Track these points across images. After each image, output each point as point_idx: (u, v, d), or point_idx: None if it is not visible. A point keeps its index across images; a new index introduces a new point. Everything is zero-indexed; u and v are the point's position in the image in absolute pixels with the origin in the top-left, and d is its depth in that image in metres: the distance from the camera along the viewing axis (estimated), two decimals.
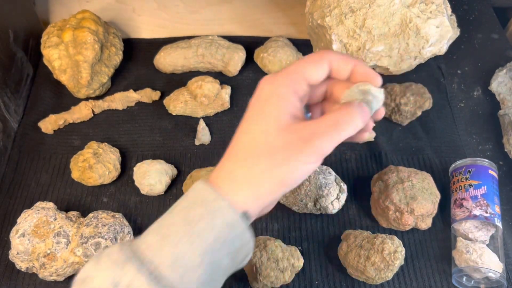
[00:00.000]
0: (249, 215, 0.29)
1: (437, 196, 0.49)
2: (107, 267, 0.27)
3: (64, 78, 0.57)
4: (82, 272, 0.28)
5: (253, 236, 0.30)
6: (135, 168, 0.52)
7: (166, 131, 0.57)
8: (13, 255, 0.44)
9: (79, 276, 0.28)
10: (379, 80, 0.31)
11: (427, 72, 0.64)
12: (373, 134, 0.56)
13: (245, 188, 0.29)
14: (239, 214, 0.28)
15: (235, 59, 0.60)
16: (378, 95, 0.31)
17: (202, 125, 0.56)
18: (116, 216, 0.46)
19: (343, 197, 0.50)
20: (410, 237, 0.50)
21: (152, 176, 0.50)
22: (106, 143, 0.54)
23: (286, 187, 0.29)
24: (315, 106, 0.34)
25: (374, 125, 0.34)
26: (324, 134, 0.29)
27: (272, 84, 0.30)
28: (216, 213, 0.28)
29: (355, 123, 0.30)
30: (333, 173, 0.51)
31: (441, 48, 0.59)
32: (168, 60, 0.61)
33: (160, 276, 0.26)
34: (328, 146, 0.29)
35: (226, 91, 0.58)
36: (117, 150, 0.54)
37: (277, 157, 0.28)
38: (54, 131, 0.56)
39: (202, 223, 0.27)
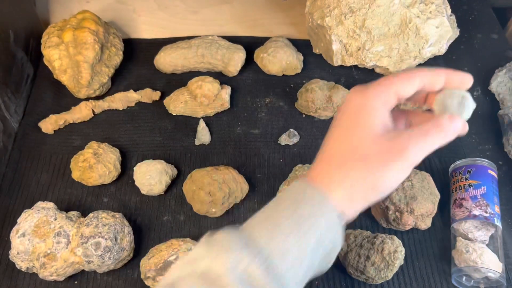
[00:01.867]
0: (343, 218, 0.31)
1: (437, 196, 0.49)
2: (223, 251, 0.28)
3: (64, 78, 0.57)
4: (192, 254, 0.29)
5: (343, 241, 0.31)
6: (135, 168, 0.52)
7: (166, 131, 0.57)
8: (13, 255, 0.44)
9: (187, 258, 0.29)
10: (471, 82, 0.33)
11: None
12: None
13: (342, 190, 0.30)
14: (337, 215, 0.30)
15: (235, 59, 0.60)
16: (470, 103, 0.32)
17: (202, 125, 0.56)
18: (116, 216, 0.46)
19: None
20: (410, 237, 0.50)
21: (152, 176, 0.50)
22: (106, 143, 0.54)
23: (378, 193, 0.31)
24: (399, 115, 0.36)
25: (467, 129, 0.34)
26: (415, 145, 0.30)
27: (363, 96, 0.32)
28: (322, 213, 0.30)
29: (447, 136, 0.31)
30: None
31: (441, 48, 0.59)
32: (168, 60, 0.61)
33: (272, 264, 0.28)
34: (419, 156, 0.30)
35: (226, 91, 0.58)
36: (117, 150, 0.54)
37: (372, 164, 0.30)
38: (55, 131, 0.57)
39: (308, 222, 0.29)
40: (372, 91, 0.32)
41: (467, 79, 0.33)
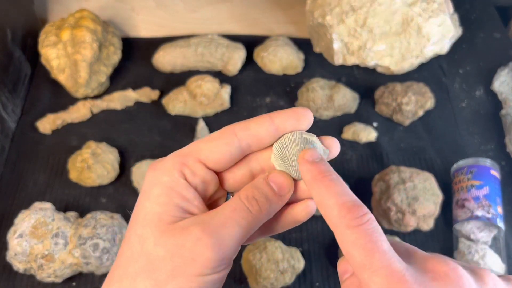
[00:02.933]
0: None
1: (439, 196, 0.49)
2: None
3: (62, 78, 0.56)
4: None
5: None
6: (133, 169, 0.51)
7: (165, 131, 0.57)
8: (11, 256, 0.43)
9: None
10: (309, 117, 0.24)
11: (429, 72, 0.63)
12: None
13: None
14: None
15: (234, 58, 0.60)
16: (317, 146, 0.24)
17: (201, 125, 0.56)
18: (115, 217, 0.46)
19: None
20: (412, 238, 0.49)
21: None
22: (104, 143, 0.53)
23: None
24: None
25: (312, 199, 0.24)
26: (221, 232, 0.21)
27: (155, 170, 0.23)
28: None
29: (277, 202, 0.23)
30: None
31: (443, 47, 0.58)
32: (167, 59, 0.60)
33: None
34: (231, 246, 0.21)
35: (226, 91, 0.58)
36: (116, 150, 0.53)
37: (160, 274, 0.21)
38: (52, 131, 0.56)
39: None
40: (166, 163, 0.23)
41: (303, 116, 0.23)
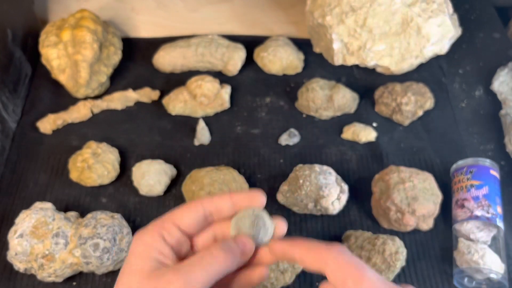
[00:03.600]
0: None
1: (439, 196, 0.49)
2: None
3: (62, 78, 0.56)
4: None
5: None
6: (134, 168, 0.51)
7: (165, 131, 0.57)
8: (11, 256, 0.43)
9: None
10: (261, 199, 0.30)
11: (428, 72, 0.64)
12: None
13: None
14: None
15: (235, 59, 0.60)
16: (267, 222, 0.29)
17: (201, 125, 0.56)
18: (115, 216, 0.46)
19: (344, 197, 0.49)
20: (411, 238, 0.49)
21: (151, 176, 0.50)
22: (105, 143, 0.53)
23: None
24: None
25: (271, 260, 0.30)
26: (189, 275, 0.26)
27: (139, 233, 0.29)
28: None
29: (233, 259, 0.28)
30: (333, 173, 0.50)
31: (443, 47, 0.58)
32: (167, 60, 0.61)
33: None
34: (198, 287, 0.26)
35: (226, 91, 0.58)
36: (116, 150, 0.53)
37: None
38: (53, 131, 0.56)
39: None
40: (149, 227, 0.29)
41: (256, 197, 0.30)
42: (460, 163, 0.51)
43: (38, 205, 0.46)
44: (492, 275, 0.44)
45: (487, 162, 0.49)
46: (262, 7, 0.71)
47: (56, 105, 0.58)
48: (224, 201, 0.30)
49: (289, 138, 0.56)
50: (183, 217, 0.29)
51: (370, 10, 0.55)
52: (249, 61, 0.63)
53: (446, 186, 0.53)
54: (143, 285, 0.26)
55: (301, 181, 0.48)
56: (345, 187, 0.50)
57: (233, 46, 0.61)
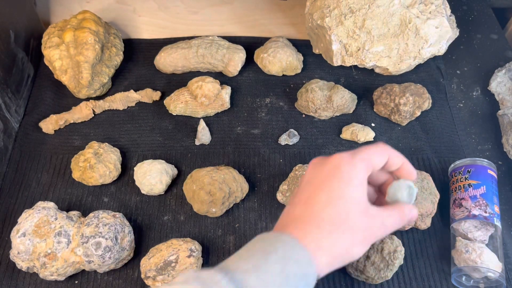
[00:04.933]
0: (317, 278, 0.33)
1: (437, 196, 0.49)
2: None
3: (65, 79, 0.57)
4: None
5: None
6: (135, 168, 0.52)
7: (166, 131, 0.57)
8: (14, 254, 0.44)
9: None
10: (415, 175, 0.37)
11: (427, 73, 0.64)
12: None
13: (326, 258, 0.33)
14: (315, 277, 0.32)
15: (235, 60, 0.60)
16: (415, 191, 0.37)
17: (202, 125, 0.56)
18: (117, 215, 0.46)
19: None
20: (409, 236, 0.50)
21: (152, 176, 0.50)
22: (106, 143, 0.54)
23: (352, 260, 0.34)
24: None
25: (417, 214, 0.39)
26: (389, 228, 0.35)
27: (354, 167, 0.34)
28: (306, 276, 0.31)
29: (405, 222, 0.36)
30: None
31: (440, 48, 0.59)
32: (168, 61, 0.61)
33: None
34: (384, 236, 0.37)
35: (226, 92, 0.58)
36: (118, 150, 0.54)
37: (357, 237, 0.33)
38: (55, 131, 0.57)
39: (293, 282, 0.31)
40: (359, 163, 0.34)
41: (414, 173, 0.37)
42: (458, 163, 0.52)
43: (40, 204, 0.46)
44: (490, 274, 0.45)
45: (484, 162, 0.50)
46: (262, 9, 0.72)
47: (58, 105, 0.59)
48: (400, 161, 0.36)
49: (289, 138, 0.56)
50: (379, 161, 0.35)
51: (368, 11, 0.56)
52: (249, 62, 0.63)
53: (444, 186, 0.53)
54: (363, 218, 0.33)
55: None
56: None
57: (233, 47, 0.62)
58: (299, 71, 0.63)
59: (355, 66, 0.63)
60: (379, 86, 0.60)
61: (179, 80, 0.62)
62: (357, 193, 0.33)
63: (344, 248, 0.33)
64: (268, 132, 0.58)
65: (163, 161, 0.52)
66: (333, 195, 0.33)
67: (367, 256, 0.44)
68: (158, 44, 0.64)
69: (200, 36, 0.63)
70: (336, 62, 0.60)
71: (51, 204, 0.46)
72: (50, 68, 0.58)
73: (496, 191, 0.49)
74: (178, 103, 0.57)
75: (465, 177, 0.49)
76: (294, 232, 0.33)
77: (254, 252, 0.31)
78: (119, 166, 0.52)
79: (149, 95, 0.60)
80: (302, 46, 0.65)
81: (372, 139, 0.57)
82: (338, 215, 0.33)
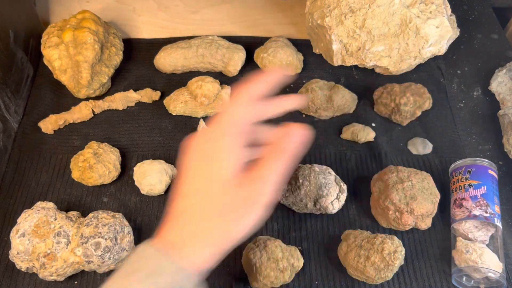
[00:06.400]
0: (205, 272, 0.31)
1: (437, 196, 0.49)
2: None
3: (64, 78, 0.57)
4: None
5: None
6: (135, 168, 0.52)
7: (166, 131, 0.57)
8: (13, 255, 0.44)
9: None
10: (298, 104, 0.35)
11: (427, 72, 0.64)
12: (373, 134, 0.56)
13: (204, 249, 0.30)
14: (197, 278, 0.30)
15: (235, 59, 0.60)
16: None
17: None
18: (116, 216, 0.46)
19: (343, 197, 0.50)
20: (410, 237, 0.50)
21: (152, 176, 0.50)
22: (106, 143, 0.54)
23: (238, 242, 0.30)
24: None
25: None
26: (270, 184, 0.30)
27: (208, 139, 0.31)
28: (181, 282, 0.29)
29: (293, 153, 0.31)
30: (333, 173, 0.51)
31: (441, 48, 0.59)
32: (168, 60, 0.61)
33: None
34: (273, 197, 0.30)
35: (226, 91, 0.58)
36: (117, 150, 0.54)
37: (230, 216, 0.30)
38: (54, 131, 0.57)
39: None
40: (217, 130, 0.31)
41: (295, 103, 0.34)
42: (459, 163, 0.52)
43: (40, 204, 0.46)
44: (490, 274, 0.45)
45: (485, 162, 0.50)
46: (262, 8, 0.72)
47: (58, 105, 0.59)
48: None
49: None
50: (257, 88, 0.32)
51: (369, 11, 0.56)
52: (249, 62, 0.63)
53: (444, 186, 0.53)
54: (232, 193, 0.30)
55: (300, 180, 0.49)
56: (344, 186, 0.50)
57: (233, 47, 0.61)
58: (299, 70, 0.63)
59: (356, 66, 0.62)
60: (380, 86, 0.60)
61: (179, 80, 0.61)
62: (221, 168, 0.30)
63: (219, 233, 0.30)
64: None
65: (163, 161, 0.52)
66: (195, 181, 0.31)
67: (367, 257, 0.44)
68: (157, 44, 0.64)
69: (200, 36, 0.63)
70: (336, 62, 0.60)
71: (51, 204, 0.46)
72: (50, 68, 0.58)
73: (496, 191, 0.49)
74: (178, 103, 0.57)
75: (465, 177, 0.49)
76: (162, 239, 0.30)
77: (129, 273, 0.30)
78: (119, 166, 0.52)
79: (148, 95, 0.59)
80: (302, 45, 0.65)
81: (373, 139, 0.57)
82: (205, 201, 0.30)
